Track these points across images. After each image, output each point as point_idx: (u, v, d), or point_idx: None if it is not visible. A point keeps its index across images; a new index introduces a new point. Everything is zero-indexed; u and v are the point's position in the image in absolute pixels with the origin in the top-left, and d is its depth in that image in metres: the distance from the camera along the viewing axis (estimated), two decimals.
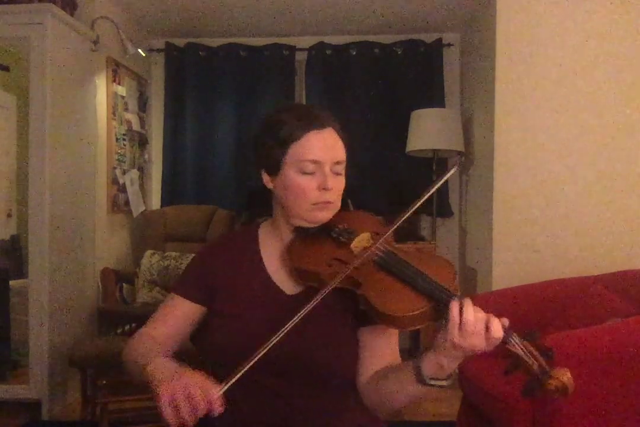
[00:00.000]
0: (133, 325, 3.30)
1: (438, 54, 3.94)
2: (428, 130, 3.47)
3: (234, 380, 0.92)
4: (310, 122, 1.09)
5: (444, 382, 0.97)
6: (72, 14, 3.02)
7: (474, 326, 0.90)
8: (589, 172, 2.98)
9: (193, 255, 1.28)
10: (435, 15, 3.67)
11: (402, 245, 3.25)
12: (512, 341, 0.90)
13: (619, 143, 2.97)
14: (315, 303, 0.97)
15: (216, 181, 3.97)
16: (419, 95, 3.89)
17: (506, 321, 0.92)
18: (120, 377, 2.49)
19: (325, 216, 1.11)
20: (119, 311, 3.17)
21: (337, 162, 1.10)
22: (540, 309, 2.42)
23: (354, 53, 3.97)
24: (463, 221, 3.87)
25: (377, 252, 1.05)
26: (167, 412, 0.88)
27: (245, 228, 1.28)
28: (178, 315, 1.18)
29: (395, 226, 1.06)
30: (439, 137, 3.46)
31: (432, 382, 0.96)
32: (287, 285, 1.15)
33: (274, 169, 1.11)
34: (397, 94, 3.94)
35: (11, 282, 2.95)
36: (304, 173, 1.08)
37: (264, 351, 0.94)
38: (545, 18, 2.99)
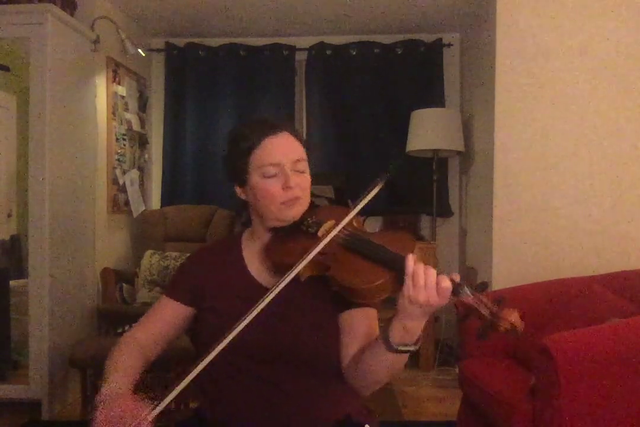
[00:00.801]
0: (133, 325, 3.30)
1: (438, 54, 3.95)
2: (428, 130, 3.47)
3: (165, 403, 1.01)
4: (264, 130, 1.19)
5: (412, 348, 1.02)
6: (72, 14, 3.02)
7: (426, 278, 0.96)
8: (589, 171, 2.98)
9: (180, 264, 1.38)
10: (435, 15, 3.67)
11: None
12: (463, 292, 0.96)
13: (619, 143, 2.97)
14: (280, 286, 1.06)
15: (216, 181, 3.96)
16: (419, 95, 3.89)
17: (457, 276, 0.98)
18: None
19: (295, 212, 1.19)
20: (119, 311, 3.17)
21: (297, 161, 1.19)
22: (540, 309, 2.42)
23: (354, 53, 3.97)
24: (463, 220, 3.88)
25: (341, 235, 1.13)
26: None
27: (229, 236, 1.42)
28: (166, 316, 1.27)
29: (358, 208, 1.14)
30: (439, 137, 3.46)
31: (401, 348, 1.01)
32: (268, 280, 1.22)
33: (242, 180, 1.21)
34: (397, 94, 3.94)
35: (11, 282, 2.95)
36: (267, 177, 1.17)
37: (215, 352, 1.03)
38: (545, 18, 2.99)
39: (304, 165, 1.21)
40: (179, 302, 1.26)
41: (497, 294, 0.97)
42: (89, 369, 2.65)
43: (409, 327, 1.00)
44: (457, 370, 2.85)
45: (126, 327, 3.25)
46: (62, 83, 2.85)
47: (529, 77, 3.00)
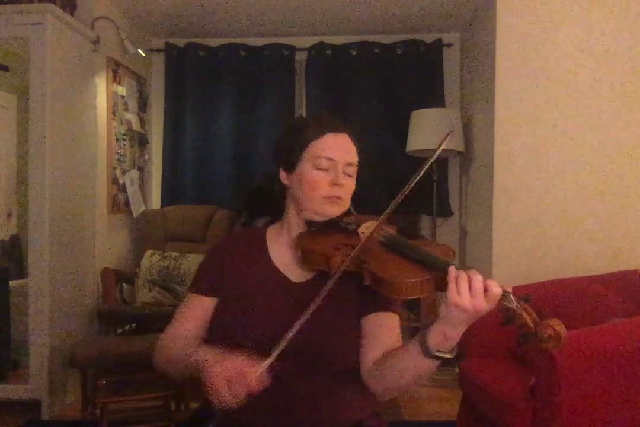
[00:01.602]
0: (133, 325, 3.31)
1: (438, 54, 3.94)
2: (428, 130, 3.47)
3: (276, 354, 0.99)
4: (329, 125, 1.22)
5: (449, 355, 1.01)
6: (72, 14, 3.03)
7: (472, 284, 0.95)
8: (589, 171, 2.98)
9: (193, 255, 1.35)
10: (435, 15, 3.67)
11: None
12: (509, 298, 0.97)
13: (619, 143, 2.97)
14: (333, 282, 1.04)
15: (216, 181, 3.96)
16: (419, 95, 3.89)
17: (507, 287, 0.99)
18: (120, 377, 2.50)
19: (335, 210, 1.20)
20: (119, 311, 3.17)
21: (349, 164, 1.22)
22: (541, 309, 2.42)
23: (354, 53, 3.97)
24: (463, 221, 3.88)
25: (380, 237, 1.14)
26: (222, 392, 0.94)
27: (252, 229, 1.36)
28: (197, 311, 1.24)
29: (397, 199, 1.15)
30: (439, 137, 3.45)
31: (438, 354, 1.00)
32: (294, 273, 1.22)
33: (291, 165, 1.22)
34: (397, 94, 3.94)
35: (11, 282, 2.95)
36: (319, 169, 1.19)
37: (294, 331, 1.01)
38: (545, 18, 2.99)
39: (353, 171, 1.23)
40: (205, 296, 1.24)
41: (537, 307, 0.98)
42: (89, 369, 2.65)
43: (450, 334, 0.98)
44: (457, 370, 2.85)
45: (126, 327, 3.26)
46: (62, 83, 2.85)
47: (529, 77, 3.00)
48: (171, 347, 1.18)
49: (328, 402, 1.15)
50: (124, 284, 3.37)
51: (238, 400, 0.95)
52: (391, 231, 1.18)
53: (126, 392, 2.45)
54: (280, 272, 1.22)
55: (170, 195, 4.02)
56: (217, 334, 1.19)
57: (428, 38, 3.95)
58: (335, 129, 1.22)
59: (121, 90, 3.58)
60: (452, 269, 0.97)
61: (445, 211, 3.91)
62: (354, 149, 1.24)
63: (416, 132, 3.52)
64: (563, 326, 0.92)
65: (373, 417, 1.24)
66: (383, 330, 1.16)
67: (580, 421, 1.75)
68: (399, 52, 3.95)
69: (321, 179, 1.18)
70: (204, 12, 3.61)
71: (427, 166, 1.18)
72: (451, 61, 4.00)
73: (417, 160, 3.77)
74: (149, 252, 3.45)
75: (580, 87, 2.98)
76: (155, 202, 4.12)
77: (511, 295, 0.97)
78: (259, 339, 1.12)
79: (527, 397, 1.86)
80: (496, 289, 0.95)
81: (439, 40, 3.94)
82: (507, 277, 2.93)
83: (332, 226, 1.20)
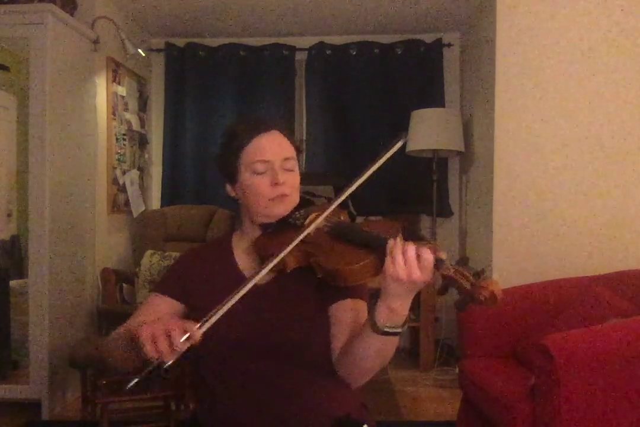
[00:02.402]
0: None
1: (438, 54, 3.95)
2: (428, 130, 3.47)
3: (212, 319, 1.00)
4: (255, 128, 1.22)
5: (399, 329, 1.02)
6: (72, 14, 3.02)
7: (405, 253, 0.96)
8: (589, 172, 2.98)
9: (169, 266, 1.37)
10: (435, 15, 3.66)
11: None
12: (444, 266, 0.96)
13: (619, 143, 2.96)
14: (268, 268, 1.07)
15: (216, 181, 3.96)
16: (419, 95, 3.89)
17: (441, 252, 0.98)
18: (120, 377, 2.49)
19: (282, 209, 1.21)
20: (119, 311, 3.16)
21: (286, 159, 1.21)
22: (540, 309, 2.42)
23: (354, 53, 3.97)
24: (463, 220, 3.87)
25: (327, 225, 1.15)
26: (147, 346, 0.93)
27: (220, 237, 1.40)
28: (158, 311, 1.25)
29: (342, 198, 1.13)
30: (439, 137, 3.46)
31: (388, 329, 1.01)
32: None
33: (233, 177, 1.24)
34: (397, 94, 3.94)
35: (11, 282, 2.95)
36: (257, 173, 1.19)
37: (230, 300, 1.02)
38: (546, 18, 2.99)
39: (293, 164, 1.23)
40: (169, 297, 1.26)
41: (474, 268, 0.98)
42: (89, 369, 2.65)
43: (395, 308, 0.99)
44: (457, 370, 2.85)
45: None
46: (62, 83, 2.85)
47: (529, 77, 3.00)
48: (115, 335, 1.21)
49: (312, 396, 1.16)
50: (124, 284, 3.37)
51: (164, 356, 0.93)
52: (339, 218, 1.19)
53: (126, 392, 2.45)
54: (243, 274, 1.24)
55: (170, 195, 4.02)
56: (201, 345, 1.19)
57: (428, 38, 3.95)
58: (262, 130, 1.21)
59: (121, 90, 3.57)
60: (389, 243, 0.98)
61: (445, 211, 3.91)
62: (287, 143, 1.24)
63: (416, 132, 3.52)
64: (499, 284, 0.92)
65: (360, 410, 1.26)
66: (347, 317, 1.17)
67: (580, 421, 1.75)
68: (399, 52, 3.95)
69: (261, 183, 1.19)
70: (204, 12, 3.61)
71: (376, 165, 1.14)
72: (451, 61, 4.00)
73: (417, 160, 3.77)
74: (149, 252, 3.45)
75: (581, 86, 2.97)
76: (155, 202, 4.12)
77: (446, 261, 0.96)
78: (225, 342, 1.15)
79: (527, 397, 1.86)
80: (427, 256, 0.95)
81: (439, 40, 3.94)
82: (507, 277, 2.93)
83: (283, 224, 1.21)
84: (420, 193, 3.83)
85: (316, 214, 1.19)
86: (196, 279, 1.26)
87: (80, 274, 3.06)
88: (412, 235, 3.61)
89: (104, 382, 2.39)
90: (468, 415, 2.35)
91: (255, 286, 1.19)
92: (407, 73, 3.93)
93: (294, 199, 1.23)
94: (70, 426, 2.69)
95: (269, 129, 1.23)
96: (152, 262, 3.37)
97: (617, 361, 1.78)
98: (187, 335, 0.93)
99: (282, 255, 1.08)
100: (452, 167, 3.99)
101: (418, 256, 0.96)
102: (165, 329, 0.93)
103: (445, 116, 3.51)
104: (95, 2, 3.23)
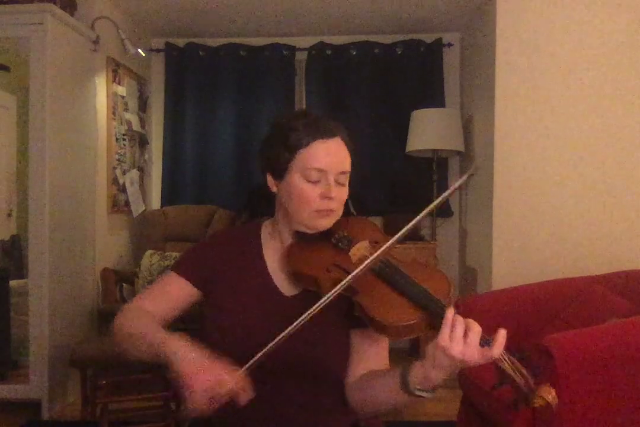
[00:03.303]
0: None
1: (438, 54, 3.94)
2: (428, 130, 3.47)
3: (251, 363, 0.96)
4: (319, 130, 1.11)
5: (428, 394, 0.98)
6: (72, 14, 3.02)
7: (468, 332, 0.90)
8: (589, 171, 2.98)
9: (195, 244, 1.29)
10: (435, 15, 3.67)
11: (402, 245, 3.25)
12: (503, 358, 0.91)
13: (619, 142, 2.97)
14: (317, 309, 0.99)
15: (216, 181, 3.97)
16: (419, 95, 3.89)
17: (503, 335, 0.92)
18: (120, 377, 2.50)
19: (326, 223, 1.13)
20: (119, 311, 3.16)
21: (342, 173, 1.13)
22: (540, 309, 2.42)
23: (354, 53, 3.97)
24: (463, 220, 3.87)
25: (376, 261, 1.06)
26: (199, 400, 0.91)
27: (248, 225, 1.28)
28: (173, 294, 1.18)
29: (396, 238, 1.04)
30: (439, 137, 3.46)
31: (418, 392, 0.97)
32: (286, 286, 1.17)
33: (280, 174, 1.13)
34: (397, 94, 3.94)
35: (11, 282, 2.95)
36: (309, 181, 1.10)
37: (272, 345, 0.97)
38: (545, 18, 2.99)
39: (346, 179, 1.15)
40: (188, 282, 1.18)
41: (532, 362, 0.93)
42: (89, 369, 2.65)
43: (431, 377, 0.95)
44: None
45: None
46: (62, 83, 2.85)
47: (529, 77, 3.00)
48: (136, 321, 1.13)
49: (322, 408, 1.13)
50: (124, 284, 3.37)
51: (211, 407, 0.92)
52: (389, 255, 1.09)
53: (126, 392, 2.45)
54: (272, 281, 1.17)
55: (170, 195, 4.02)
56: (213, 345, 1.13)
57: (428, 38, 3.95)
58: (326, 134, 1.11)
59: (121, 90, 3.57)
60: (449, 313, 0.92)
61: (445, 211, 3.91)
62: (347, 154, 1.15)
63: (416, 132, 3.52)
64: (554, 393, 0.89)
65: (369, 418, 1.23)
66: (370, 346, 1.13)
67: (580, 421, 1.75)
68: (399, 52, 3.95)
69: (311, 192, 1.10)
70: (204, 12, 3.61)
71: (436, 203, 1.07)
72: (451, 61, 4.00)
73: (417, 160, 3.77)
74: (149, 252, 3.45)
75: (580, 86, 2.98)
76: (155, 202, 4.12)
77: (505, 353, 0.91)
78: (243, 350, 1.07)
79: None
80: (496, 351, 0.90)
81: (439, 40, 3.94)
82: (507, 277, 2.93)
83: (323, 239, 1.14)
84: (420, 193, 3.83)
85: (364, 242, 1.12)
86: (220, 269, 1.18)
87: (80, 274, 3.06)
88: (412, 235, 3.61)
89: (104, 382, 2.39)
90: (468, 415, 2.34)
91: (282, 296, 1.16)
92: (407, 73, 3.93)
93: (339, 214, 1.15)
94: (70, 426, 2.69)
95: (334, 135, 1.12)
96: (152, 262, 3.37)
97: (617, 361, 1.78)
98: (237, 379, 0.92)
99: (330, 297, 0.99)
100: (452, 167, 3.99)
101: (481, 341, 0.90)
102: (217, 382, 0.91)
103: (445, 116, 3.51)
104: (95, 2, 3.23)
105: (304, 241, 1.15)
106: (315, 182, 1.10)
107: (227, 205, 3.78)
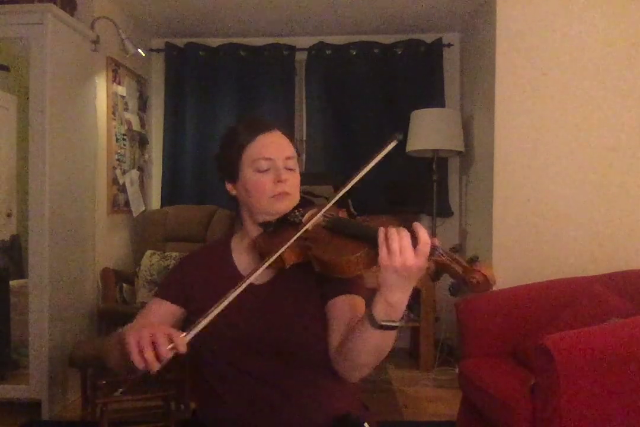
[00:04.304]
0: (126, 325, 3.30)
1: (438, 54, 3.95)
2: (428, 130, 3.47)
3: (199, 327, 0.99)
4: (258, 127, 1.24)
5: (396, 324, 1.01)
6: (72, 14, 3.03)
7: (400, 240, 0.95)
8: (589, 172, 2.98)
9: (170, 269, 1.40)
10: (435, 15, 3.67)
11: None
12: (437, 252, 0.96)
13: (619, 142, 2.97)
14: (265, 266, 1.08)
15: (216, 181, 3.91)
16: (419, 95, 3.89)
17: (434, 239, 0.97)
18: (120, 377, 2.49)
19: (284, 206, 1.21)
20: (119, 311, 3.17)
21: (288, 158, 1.23)
22: (541, 309, 2.42)
23: (354, 53, 3.97)
24: (463, 220, 3.88)
25: (324, 219, 1.16)
26: (134, 355, 0.93)
27: (219, 239, 1.40)
28: (157, 315, 1.26)
29: (339, 195, 1.15)
30: (439, 137, 3.46)
31: (385, 323, 1.00)
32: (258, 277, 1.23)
33: (234, 175, 1.24)
34: (397, 94, 3.94)
35: (11, 282, 2.95)
36: (259, 171, 1.20)
37: (223, 302, 1.02)
38: (546, 18, 2.99)
39: (294, 163, 1.24)
40: (169, 302, 1.27)
41: (468, 256, 0.98)
42: (89, 369, 2.65)
43: (393, 301, 0.98)
44: (457, 370, 2.85)
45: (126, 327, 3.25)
46: (62, 83, 2.85)
47: (528, 77, 3.00)
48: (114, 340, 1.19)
49: (313, 395, 1.17)
50: (124, 284, 3.37)
51: (150, 365, 0.92)
52: (338, 215, 1.20)
53: (126, 392, 2.45)
54: (241, 275, 1.24)
55: (170, 195, 4.02)
56: (196, 347, 1.18)
57: (428, 38, 3.95)
58: (265, 129, 1.23)
59: (121, 90, 3.58)
60: (380, 232, 0.97)
61: (445, 211, 3.91)
62: (288, 142, 1.26)
63: (416, 132, 3.52)
64: (491, 268, 0.93)
65: (360, 409, 1.26)
66: (345, 312, 1.16)
67: (580, 421, 1.75)
68: (399, 52, 3.95)
69: (264, 180, 1.20)
70: (204, 12, 3.61)
71: (372, 163, 1.22)
72: (451, 61, 4.00)
73: (417, 160, 3.77)
74: (149, 252, 3.45)
75: (580, 86, 2.98)
76: (155, 202, 4.12)
77: (439, 248, 0.96)
78: (228, 343, 1.16)
79: (527, 397, 1.86)
80: (424, 238, 0.95)
81: (439, 40, 3.94)
82: (507, 277, 2.93)
83: (283, 223, 1.22)
84: (420, 193, 3.83)
85: (314, 210, 1.20)
86: (196, 282, 1.27)
87: (80, 274, 3.06)
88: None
89: (104, 382, 2.39)
90: (468, 415, 2.35)
91: (254, 286, 1.20)
92: (407, 73, 3.93)
93: (295, 197, 1.24)
94: (70, 426, 2.69)
95: (271, 128, 1.24)
96: (152, 262, 3.37)
97: (617, 361, 1.78)
98: (172, 344, 0.93)
99: (279, 252, 1.09)
100: (452, 167, 3.99)
101: (415, 240, 0.95)
102: (150, 337, 0.93)
103: (445, 116, 3.51)
104: (95, 2, 3.23)
105: (267, 228, 1.23)
106: (265, 171, 1.20)
107: (227, 206, 3.78)
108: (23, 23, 2.71)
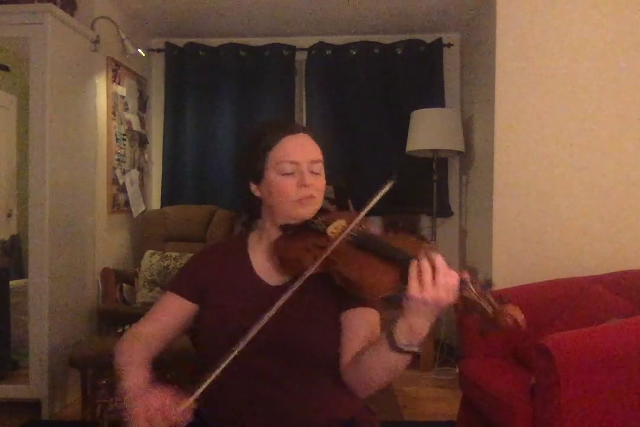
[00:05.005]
0: (140, 321, 3.31)
1: (438, 54, 3.95)
2: (428, 130, 3.47)
3: (199, 392, 1.01)
4: (284, 129, 1.23)
5: (416, 349, 1.00)
6: (72, 14, 3.03)
7: (434, 275, 0.94)
8: (589, 171, 2.98)
9: (184, 263, 1.38)
10: (435, 15, 3.67)
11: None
12: (468, 287, 0.95)
13: (619, 142, 2.97)
14: (295, 288, 1.06)
15: (216, 181, 3.97)
16: (419, 95, 3.89)
17: (464, 273, 0.97)
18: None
19: (307, 211, 1.21)
20: (119, 311, 3.17)
21: (313, 161, 1.21)
22: (541, 309, 2.42)
23: (354, 53, 3.97)
24: (463, 221, 3.88)
25: (352, 233, 1.14)
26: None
27: (235, 237, 1.39)
28: (170, 312, 1.26)
29: (368, 207, 1.13)
30: (439, 137, 3.46)
31: (405, 348, 0.99)
32: (271, 277, 1.24)
33: (258, 177, 1.23)
34: (397, 94, 3.94)
35: (11, 282, 2.95)
36: (284, 174, 1.19)
37: (242, 346, 1.03)
38: (545, 18, 2.99)
39: (320, 167, 1.23)
40: (182, 298, 1.26)
41: (502, 292, 0.97)
42: (89, 369, 2.65)
43: (416, 327, 0.98)
44: (457, 370, 2.85)
45: (126, 327, 3.25)
46: (62, 83, 2.85)
47: (529, 77, 3.00)
48: (131, 345, 1.20)
49: (318, 398, 1.16)
50: (124, 284, 3.37)
51: None
52: (365, 227, 1.19)
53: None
54: (259, 277, 1.24)
55: (170, 195, 4.02)
56: (203, 344, 1.22)
57: (428, 38, 3.95)
58: (292, 131, 1.22)
59: (121, 90, 3.58)
60: (412, 263, 0.96)
61: (445, 211, 3.91)
62: (315, 146, 1.24)
63: (416, 132, 3.52)
64: (520, 312, 0.92)
65: (365, 413, 1.25)
66: (361, 325, 1.16)
67: (580, 421, 1.75)
68: (399, 52, 3.95)
69: (288, 184, 1.19)
70: (204, 12, 3.61)
71: (384, 190, 1.17)
72: (451, 61, 4.00)
73: (417, 160, 3.77)
74: (149, 252, 3.45)
75: (581, 86, 2.98)
76: (155, 202, 4.12)
77: (470, 283, 0.95)
78: (233, 339, 1.13)
79: (527, 397, 1.86)
80: (452, 280, 0.94)
81: (439, 40, 3.94)
82: (507, 277, 2.93)
83: (305, 228, 1.20)
84: (420, 193, 3.82)
85: (340, 221, 1.19)
86: (210, 278, 1.26)
87: (80, 274, 3.06)
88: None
89: (104, 382, 2.39)
90: (468, 415, 2.35)
91: (269, 286, 1.22)
92: (407, 73, 3.93)
93: (319, 201, 1.23)
94: (70, 426, 2.69)
95: (298, 131, 1.23)
96: (152, 262, 3.37)
97: (617, 361, 1.78)
98: (181, 410, 0.96)
99: (310, 271, 1.07)
100: (452, 167, 3.99)
101: (443, 275, 0.94)
102: (159, 411, 0.96)
103: (445, 116, 3.51)
104: (95, 2, 3.23)
105: (288, 232, 1.22)
106: (290, 174, 1.19)
107: (227, 206, 3.78)
108: (23, 23, 2.71)
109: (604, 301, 2.24)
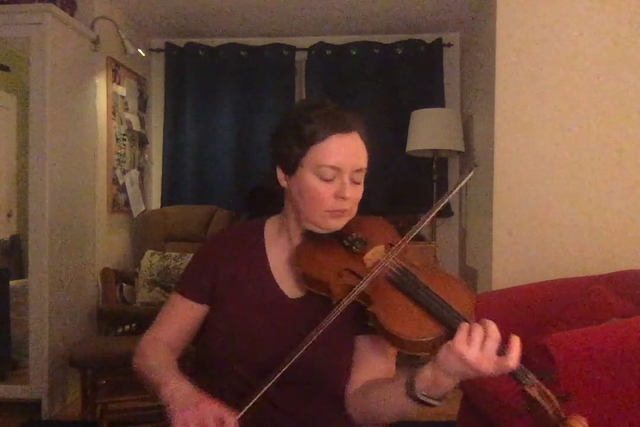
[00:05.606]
0: (133, 325, 3.31)
1: (438, 54, 3.94)
2: (428, 130, 3.46)
3: (249, 406, 0.93)
4: (335, 124, 1.04)
5: (435, 402, 0.91)
6: (72, 14, 3.02)
7: (487, 340, 0.85)
8: (589, 171, 2.98)
9: (193, 255, 1.24)
10: (435, 15, 3.66)
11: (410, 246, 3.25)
12: (529, 382, 0.86)
13: (620, 142, 2.96)
14: (330, 320, 0.94)
15: (216, 181, 3.97)
16: (419, 95, 3.89)
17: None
18: (120, 377, 2.49)
19: (338, 224, 1.06)
20: (119, 311, 3.17)
21: (358, 170, 1.07)
22: (540, 309, 2.42)
23: (354, 53, 3.97)
24: (463, 221, 3.87)
25: (391, 267, 1.00)
26: None
27: (250, 223, 1.21)
28: (182, 316, 1.16)
29: (409, 238, 1.01)
30: (439, 137, 3.46)
31: (423, 398, 0.90)
32: (291, 288, 1.11)
33: (291, 168, 1.06)
34: (397, 94, 3.94)
35: (11, 282, 2.95)
36: (322, 179, 1.03)
37: (279, 373, 0.94)
38: (545, 17, 2.99)
39: (361, 177, 1.09)
40: (193, 301, 1.15)
41: (561, 389, 0.87)
42: (89, 369, 2.65)
43: (441, 382, 0.88)
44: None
45: (126, 327, 3.26)
46: (62, 83, 2.85)
47: (529, 77, 3.00)
48: (150, 354, 1.11)
49: (320, 417, 1.08)
50: (124, 284, 3.37)
51: None
52: (407, 259, 1.04)
53: (126, 392, 2.45)
54: (276, 284, 1.11)
55: (170, 195, 4.02)
56: (207, 347, 1.13)
57: (428, 38, 3.95)
58: (343, 129, 1.04)
59: (121, 90, 3.57)
60: (465, 324, 0.88)
61: (445, 211, 3.90)
62: (364, 151, 1.10)
63: (416, 132, 3.52)
64: (586, 424, 0.83)
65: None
66: (375, 354, 1.06)
67: None
68: (399, 52, 3.95)
69: (324, 192, 1.02)
70: (204, 12, 3.61)
71: (442, 204, 1.08)
72: (451, 61, 4.00)
73: (417, 160, 3.77)
74: (149, 252, 3.45)
75: (581, 87, 2.97)
76: (155, 202, 4.12)
77: (530, 375, 0.86)
78: (248, 357, 1.06)
79: None
80: (512, 362, 0.85)
81: (439, 40, 3.94)
82: (507, 277, 2.93)
83: (334, 239, 1.07)
84: (420, 193, 3.82)
85: (379, 247, 1.06)
86: (222, 277, 1.13)
87: (80, 274, 3.06)
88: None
89: (104, 382, 2.39)
90: (468, 415, 2.34)
91: (287, 298, 1.10)
92: (407, 73, 3.93)
93: (353, 214, 1.09)
94: (70, 426, 2.69)
95: (351, 129, 1.06)
96: (152, 262, 3.37)
97: (617, 361, 1.78)
98: (236, 422, 0.89)
99: (338, 312, 0.94)
100: (452, 167, 3.99)
101: (502, 352, 0.85)
102: (201, 422, 0.89)
103: (445, 116, 3.51)
104: (95, 2, 3.23)
105: (315, 241, 1.08)
106: (329, 181, 1.03)
107: (227, 205, 3.78)
108: (23, 23, 2.71)
109: (604, 301, 2.24)
